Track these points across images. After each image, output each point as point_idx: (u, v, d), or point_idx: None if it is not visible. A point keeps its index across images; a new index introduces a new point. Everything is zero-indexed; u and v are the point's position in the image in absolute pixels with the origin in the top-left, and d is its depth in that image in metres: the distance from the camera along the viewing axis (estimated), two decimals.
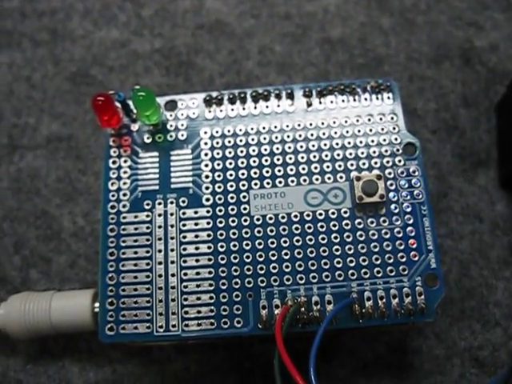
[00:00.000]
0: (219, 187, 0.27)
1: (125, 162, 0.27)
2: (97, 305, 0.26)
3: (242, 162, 0.27)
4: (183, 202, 0.26)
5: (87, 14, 0.34)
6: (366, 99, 0.28)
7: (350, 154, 0.27)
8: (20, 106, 0.32)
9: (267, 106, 0.28)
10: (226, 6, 0.34)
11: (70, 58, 0.33)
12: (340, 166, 0.27)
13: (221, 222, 0.26)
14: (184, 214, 0.26)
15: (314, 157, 0.27)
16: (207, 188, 0.27)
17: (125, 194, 0.27)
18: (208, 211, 0.26)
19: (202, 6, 0.34)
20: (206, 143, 0.27)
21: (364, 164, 0.27)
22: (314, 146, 0.27)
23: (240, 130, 0.27)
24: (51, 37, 0.34)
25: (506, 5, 0.34)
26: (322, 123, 0.27)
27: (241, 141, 0.27)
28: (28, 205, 0.30)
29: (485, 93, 0.32)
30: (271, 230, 0.26)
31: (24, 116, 0.32)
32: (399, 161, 0.27)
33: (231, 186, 0.26)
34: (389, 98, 0.28)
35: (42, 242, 0.30)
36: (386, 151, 0.27)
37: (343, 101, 0.28)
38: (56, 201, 0.30)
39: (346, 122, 0.27)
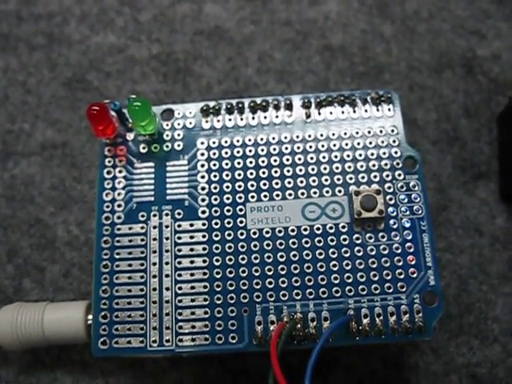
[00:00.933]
0: (215, 199, 0.26)
1: (120, 172, 0.27)
2: (90, 317, 0.25)
3: (239, 174, 0.26)
4: (179, 214, 0.26)
5: (84, 18, 0.33)
6: (366, 111, 0.27)
7: (349, 167, 0.26)
8: (15, 112, 0.32)
9: (265, 117, 0.27)
10: (226, 11, 0.33)
11: (66, 62, 0.32)
12: (339, 179, 0.26)
13: (216, 236, 0.25)
14: (179, 226, 0.26)
15: (313, 170, 0.26)
16: (203, 200, 0.26)
17: (119, 205, 0.26)
18: (204, 224, 0.26)
19: (200, 11, 0.33)
20: (202, 154, 0.27)
21: (363, 178, 0.26)
22: (312, 158, 0.26)
23: (237, 140, 0.27)
24: (47, 41, 0.33)
25: (509, 13, 0.34)
26: (321, 135, 0.26)
27: (238, 152, 0.26)
28: (22, 213, 0.30)
29: (486, 103, 0.32)
30: (268, 245, 0.25)
31: (19, 122, 0.31)
32: (399, 175, 0.26)
33: (228, 198, 0.26)
34: (389, 109, 0.27)
35: (35, 250, 0.29)
36: (386, 165, 0.26)
37: (343, 112, 0.27)
38: (50, 209, 0.30)
39: (345, 134, 0.27)
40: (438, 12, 0.34)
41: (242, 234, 0.25)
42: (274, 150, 0.26)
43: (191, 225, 0.26)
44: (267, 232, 0.25)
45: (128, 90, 0.31)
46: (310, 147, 0.26)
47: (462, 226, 0.30)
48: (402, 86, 0.32)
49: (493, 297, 0.28)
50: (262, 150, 0.26)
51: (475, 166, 0.31)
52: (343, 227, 0.25)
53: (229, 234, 0.25)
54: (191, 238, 0.25)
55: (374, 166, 0.26)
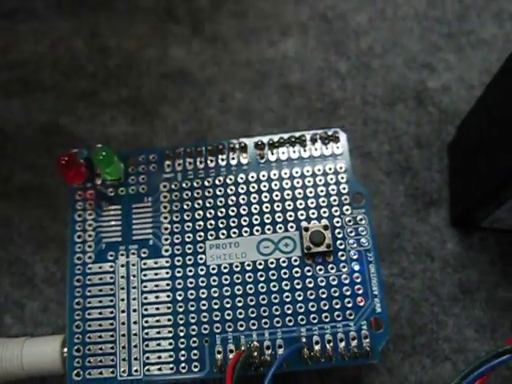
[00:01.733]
0: (177, 238, 0.29)
1: (89, 215, 0.30)
2: (66, 350, 0.28)
3: (199, 214, 0.29)
4: (144, 252, 0.29)
5: (56, 66, 0.36)
6: (316, 149, 0.30)
7: (300, 204, 0.29)
8: None
9: (222, 159, 0.30)
10: (189, 54, 0.36)
11: (40, 108, 0.35)
12: (291, 216, 0.29)
13: (179, 272, 0.28)
14: (145, 264, 0.29)
15: (266, 208, 0.29)
16: (166, 239, 0.29)
17: (90, 246, 0.29)
18: (167, 261, 0.29)
19: (165, 56, 0.36)
20: (165, 196, 0.30)
21: (313, 214, 0.29)
22: (266, 197, 0.29)
23: (197, 183, 0.30)
24: (22, 88, 0.36)
25: (458, 46, 0.37)
26: (274, 175, 0.30)
27: (198, 193, 0.29)
28: (2, 252, 0.33)
29: (437, 133, 0.35)
30: (226, 279, 0.28)
31: None
32: (347, 210, 0.29)
33: (188, 237, 0.29)
34: (338, 147, 0.30)
35: (15, 288, 0.32)
36: (335, 201, 0.29)
37: (294, 152, 0.30)
38: (29, 248, 0.33)
39: (296, 173, 0.30)
40: (391, 47, 0.37)
41: (202, 269, 0.28)
42: (231, 190, 0.29)
43: (155, 262, 0.29)
44: (225, 267, 0.28)
45: (99, 133, 0.34)
46: (264, 187, 0.29)
47: (414, 251, 0.32)
48: (357, 120, 0.35)
49: (444, 318, 0.31)
50: (220, 191, 0.29)
51: (427, 194, 0.33)
52: (295, 261, 0.28)
53: (190, 271, 0.28)
54: (156, 274, 0.29)
55: (323, 202, 0.29)
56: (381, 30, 0.37)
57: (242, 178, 0.30)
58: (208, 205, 0.29)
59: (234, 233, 0.29)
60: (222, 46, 0.36)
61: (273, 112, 0.35)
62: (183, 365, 0.27)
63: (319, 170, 0.30)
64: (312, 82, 0.36)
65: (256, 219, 0.29)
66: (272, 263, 0.28)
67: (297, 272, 0.28)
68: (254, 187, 0.29)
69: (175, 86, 0.36)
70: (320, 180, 0.29)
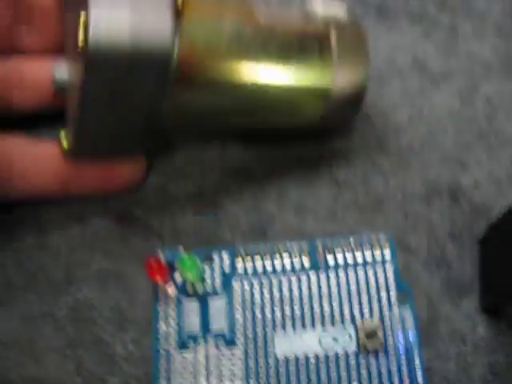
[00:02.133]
0: (250, 331, 0.35)
1: (171, 308, 0.36)
2: None
3: (269, 311, 0.35)
4: (220, 343, 0.35)
5: None
6: (367, 252, 0.36)
7: (355, 303, 0.35)
8: (75, 244, 0.40)
9: (287, 260, 0.36)
10: (248, 152, 0.42)
11: (116, 200, 0.41)
12: (347, 314, 0.35)
13: (251, 361, 0.34)
14: (221, 354, 0.35)
15: (326, 306, 0.35)
16: (240, 332, 0.35)
17: (172, 336, 0.35)
18: (241, 351, 0.34)
19: (225, 152, 0.42)
20: (237, 293, 0.36)
21: (367, 312, 0.35)
22: (326, 296, 0.35)
23: (266, 282, 0.36)
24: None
25: (489, 144, 0.42)
26: (332, 276, 0.35)
27: (267, 292, 0.35)
28: (85, 333, 0.38)
29: (469, 227, 0.40)
30: (292, 369, 0.34)
31: (78, 253, 0.40)
32: (395, 308, 0.35)
33: (259, 330, 0.35)
34: (387, 250, 0.36)
35: (99, 365, 0.38)
36: (385, 300, 0.35)
37: (348, 253, 0.36)
38: (109, 329, 0.39)
39: (352, 275, 0.36)
40: (428, 144, 0.42)
41: (271, 360, 0.34)
42: (295, 288, 0.35)
43: (231, 353, 0.35)
44: (292, 358, 0.34)
45: (170, 224, 0.40)
46: (324, 286, 0.35)
47: (448, 336, 0.38)
48: (398, 215, 0.40)
49: None
50: (286, 289, 0.35)
51: (460, 284, 0.39)
52: (352, 353, 0.34)
53: (261, 361, 0.34)
54: (232, 364, 0.34)
55: (375, 301, 0.35)
56: (418, 129, 0.43)
57: (304, 278, 0.36)
58: (276, 302, 0.35)
59: (299, 327, 0.35)
60: (276, 144, 0.42)
61: (324, 207, 0.41)
62: None
63: (371, 272, 0.36)
64: (357, 178, 0.41)
65: (317, 316, 0.35)
66: (331, 355, 0.34)
67: (353, 363, 0.34)
68: (314, 287, 0.35)
69: (236, 181, 0.41)
70: (372, 282, 0.35)
